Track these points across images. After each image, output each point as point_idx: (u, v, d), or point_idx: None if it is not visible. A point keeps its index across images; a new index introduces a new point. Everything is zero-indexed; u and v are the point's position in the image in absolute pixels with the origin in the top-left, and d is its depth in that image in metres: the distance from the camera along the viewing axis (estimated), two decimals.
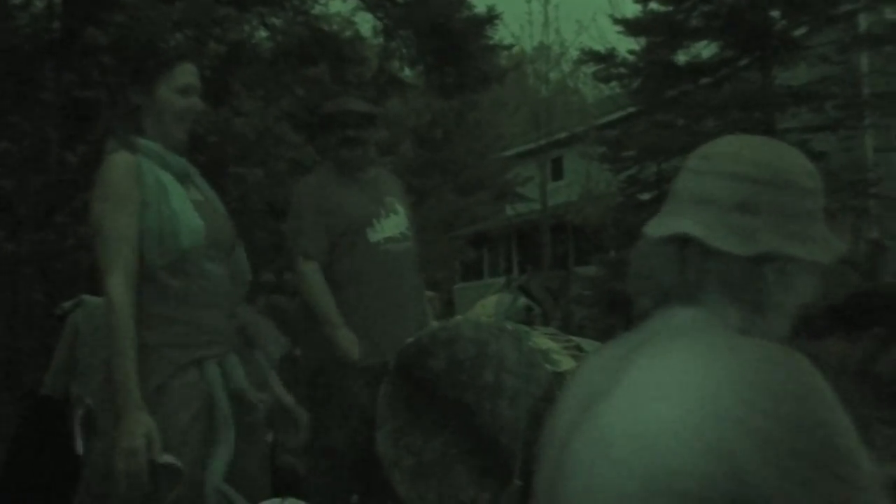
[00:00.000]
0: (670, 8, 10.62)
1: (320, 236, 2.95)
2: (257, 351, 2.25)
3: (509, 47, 10.48)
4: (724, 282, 1.05)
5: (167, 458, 1.86)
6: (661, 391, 0.96)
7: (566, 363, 2.56)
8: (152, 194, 1.99)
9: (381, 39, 8.58)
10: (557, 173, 20.75)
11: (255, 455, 2.18)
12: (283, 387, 2.35)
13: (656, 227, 1.11)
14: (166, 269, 1.99)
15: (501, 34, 18.60)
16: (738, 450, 0.89)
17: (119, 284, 1.91)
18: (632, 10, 11.41)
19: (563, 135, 18.79)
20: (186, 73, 2.11)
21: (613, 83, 12.48)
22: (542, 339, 2.66)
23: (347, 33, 8.20)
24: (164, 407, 1.92)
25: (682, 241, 1.07)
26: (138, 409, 1.86)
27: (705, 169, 1.10)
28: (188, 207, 2.05)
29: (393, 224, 3.04)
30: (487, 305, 3.68)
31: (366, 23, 8.83)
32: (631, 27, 11.21)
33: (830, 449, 0.89)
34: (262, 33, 7.77)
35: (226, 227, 2.20)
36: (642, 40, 11.46)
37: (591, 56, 11.51)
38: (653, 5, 10.83)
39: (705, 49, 11.45)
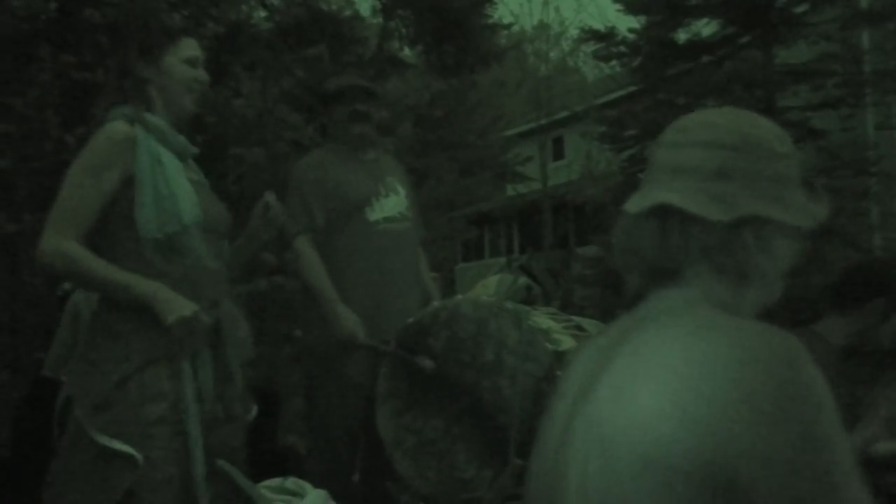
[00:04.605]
0: None
1: (315, 213, 2.94)
2: (228, 349, 2.11)
3: (509, 26, 10.40)
4: (706, 249, 1.05)
5: (122, 447, 1.82)
6: (650, 372, 0.97)
7: (566, 343, 2.57)
8: (145, 170, 1.97)
9: (379, 19, 8.53)
10: (558, 153, 20.72)
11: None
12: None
13: (636, 203, 1.11)
14: (159, 248, 1.96)
15: (501, 13, 18.53)
16: (726, 429, 0.90)
17: (52, 238, 1.89)
18: None
19: (563, 114, 18.76)
20: (191, 46, 2.15)
21: (613, 62, 12.39)
22: (542, 319, 2.66)
23: (346, 13, 8.13)
24: (127, 399, 1.87)
25: (663, 213, 1.07)
26: (160, 290, 1.90)
27: (681, 141, 1.10)
28: (186, 185, 2.04)
29: (392, 204, 3.04)
30: (488, 285, 3.68)
31: (364, 2, 8.78)
32: (631, 5, 11.13)
33: (813, 431, 0.90)
34: (261, 13, 7.73)
35: (221, 213, 2.18)
36: (642, 18, 11.38)
37: (591, 34, 11.45)
38: None
39: (705, 27, 11.39)
